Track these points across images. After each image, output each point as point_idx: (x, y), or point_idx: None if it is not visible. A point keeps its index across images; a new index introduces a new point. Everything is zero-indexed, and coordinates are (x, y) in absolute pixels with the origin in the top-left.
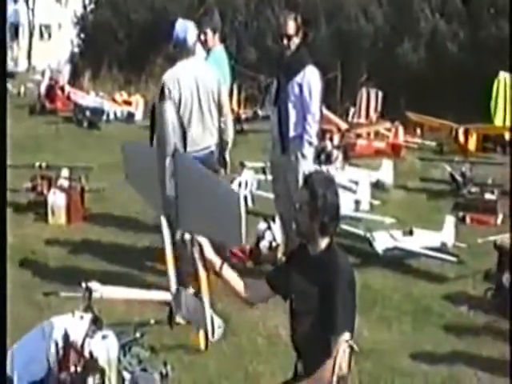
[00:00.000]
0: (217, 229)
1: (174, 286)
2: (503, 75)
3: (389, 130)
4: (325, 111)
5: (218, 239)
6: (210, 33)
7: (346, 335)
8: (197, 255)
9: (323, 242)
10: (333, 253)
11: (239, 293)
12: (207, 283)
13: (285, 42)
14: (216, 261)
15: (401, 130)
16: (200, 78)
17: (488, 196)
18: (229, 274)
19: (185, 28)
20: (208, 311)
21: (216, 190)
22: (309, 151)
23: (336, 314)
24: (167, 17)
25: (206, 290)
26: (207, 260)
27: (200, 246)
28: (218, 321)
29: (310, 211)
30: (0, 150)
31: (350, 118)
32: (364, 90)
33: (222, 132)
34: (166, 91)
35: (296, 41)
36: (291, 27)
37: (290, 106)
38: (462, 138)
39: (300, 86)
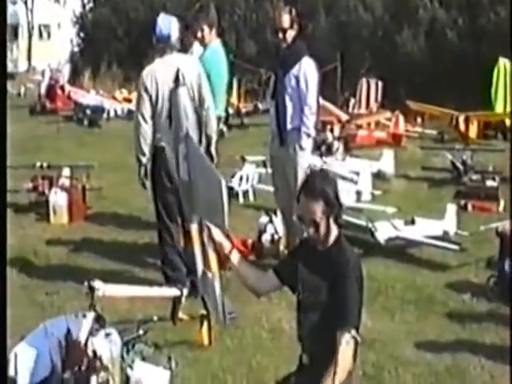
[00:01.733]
0: (207, 213)
1: (200, 268)
2: (503, 62)
3: (389, 119)
4: (325, 103)
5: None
6: (206, 29)
7: (353, 332)
8: (206, 239)
9: (331, 237)
10: (342, 246)
11: (247, 280)
12: (218, 268)
13: (280, 35)
14: (226, 244)
15: (401, 119)
16: (180, 73)
17: (489, 183)
18: (238, 259)
19: (169, 24)
20: (219, 296)
21: (206, 176)
22: (307, 143)
23: (345, 308)
24: (167, 13)
25: (217, 275)
26: (217, 243)
27: (209, 229)
28: (229, 307)
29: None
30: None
31: (350, 109)
32: (364, 81)
33: (204, 126)
34: (143, 88)
35: (292, 33)
36: (286, 21)
37: (287, 98)
38: (462, 126)
39: (296, 78)
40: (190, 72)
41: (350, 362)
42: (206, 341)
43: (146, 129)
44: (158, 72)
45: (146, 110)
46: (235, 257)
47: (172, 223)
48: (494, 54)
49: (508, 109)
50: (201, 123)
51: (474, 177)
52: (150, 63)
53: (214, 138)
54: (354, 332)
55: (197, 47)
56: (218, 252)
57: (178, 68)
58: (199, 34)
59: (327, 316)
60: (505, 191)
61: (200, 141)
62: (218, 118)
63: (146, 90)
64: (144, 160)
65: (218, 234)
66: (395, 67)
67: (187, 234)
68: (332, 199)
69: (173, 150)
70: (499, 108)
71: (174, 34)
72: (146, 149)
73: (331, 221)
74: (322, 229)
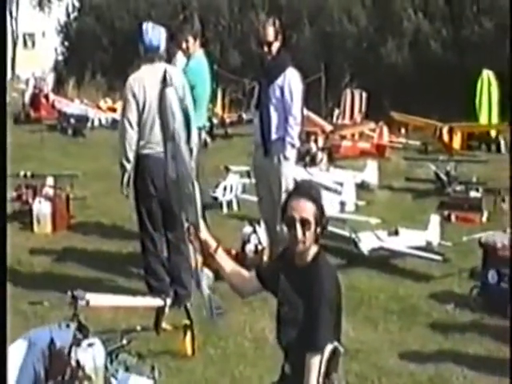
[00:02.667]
0: (185, 211)
1: (193, 264)
2: (486, 73)
3: (373, 130)
4: (309, 113)
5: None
6: (191, 39)
7: (327, 349)
8: (192, 237)
9: (310, 254)
10: (318, 268)
11: (231, 280)
12: (205, 263)
13: (265, 48)
14: (211, 243)
15: (385, 130)
16: (167, 74)
17: (473, 194)
18: (223, 258)
19: (159, 35)
20: (205, 291)
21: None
22: (291, 153)
23: (315, 332)
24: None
25: (204, 271)
26: (202, 241)
27: (195, 227)
28: (217, 302)
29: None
30: None
31: (334, 120)
32: (348, 91)
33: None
34: (130, 93)
35: (276, 45)
36: (270, 33)
37: (272, 108)
38: (446, 137)
39: (281, 89)
40: (175, 82)
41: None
42: (189, 351)
43: (132, 135)
44: (146, 79)
45: (133, 115)
46: (221, 256)
47: (155, 232)
48: (477, 66)
49: (493, 120)
50: (189, 122)
51: (458, 188)
52: (135, 71)
53: (195, 150)
54: (327, 352)
55: (180, 57)
56: (203, 250)
57: (166, 69)
58: (184, 45)
59: (303, 334)
60: (488, 202)
61: (188, 140)
62: (202, 128)
63: (134, 96)
64: (128, 167)
65: (204, 233)
66: (379, 78)
67: (170, 242)
68: (321, 207)
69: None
70: (483, 119)
71: (163, 45)
72: (131, 155)
73: (312, 235)
74: (309, 237)
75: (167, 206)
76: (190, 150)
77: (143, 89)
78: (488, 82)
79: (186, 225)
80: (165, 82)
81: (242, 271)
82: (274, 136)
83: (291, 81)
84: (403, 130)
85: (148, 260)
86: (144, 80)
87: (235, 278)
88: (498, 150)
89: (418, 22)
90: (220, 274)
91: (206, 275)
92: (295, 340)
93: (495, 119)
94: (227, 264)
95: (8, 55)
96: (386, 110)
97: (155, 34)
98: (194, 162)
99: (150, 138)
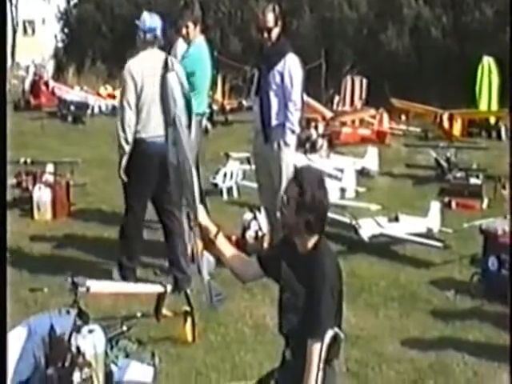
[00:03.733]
0: (185, 197)
1: (194, 250)
2: (487, 60)
3: (373, 117)
4: (309, 100)
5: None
6: (191, 25)
7: (328, 335)
8: (192, 223)
9: (310, 241)
10: (319, 255)
11: (232, 265)
12: (205, 249)
13: (265, 34)
14: (211, 228)
15: (385, 116)
16: (169, 58)
17: (473, 181)
18: (223, 243)
19: (155, 19)
20: (206, 277)
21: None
22: (291, 139)
23: (316, 319)
24: (151, 10)
25: (203, 256)
26: (202, 227)
27: (194, 213)
28: (217, 288)
29: (296, 206)
30: None
31: (334, 106)
32: (348, 78)
33: None
34: (129, 76)
35: (276, 31)
36: (270, 20)
37: (272, 94)
38: (446, 124)
39: (281, 75)
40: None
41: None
42: (189, 337)
43: (131, 116)
44: (144, 64)
45: (132, 97)
46: (221, 241)
47: (141, 212)
48: (478, 52)
49: (493, 107)
50: (190, 108)
51: (458, 174)
52: (134, 56)
53: (195, 137)
54: (327, 338)
55: (181, 44)
56: (203, 236)
57: (167, 56)
58: (183, 31)
59: (304, 320)
60: (489, 189)
61: (189, 126)
62: (202, 115)
63: (132, 79)
64: (127, 148)
65: (204, 218)
66: (380, 65)
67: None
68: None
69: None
70: (483, 106)
71: (159, 32)
72: (130, 137)
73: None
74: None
75: (163, 191)
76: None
77: (141, 73)
78: (488, 69)
79: (184, 210)
80: (166, 67)
81: (242, 256)
82: (274, 122)
83: (291, 67)
84: (403, 117)
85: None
86: (142, 65)
87: (236, 263)
88: (499, 136)
89: (419, 8)
90: (220, 260)
91: (207, 260)
92: (296, 326)
93: (495, 106)
94: (227, 249)
95: (8, 42)
96: (387, 97)
97: (152, 20)
98: (194, 148)
99: (147, 123)
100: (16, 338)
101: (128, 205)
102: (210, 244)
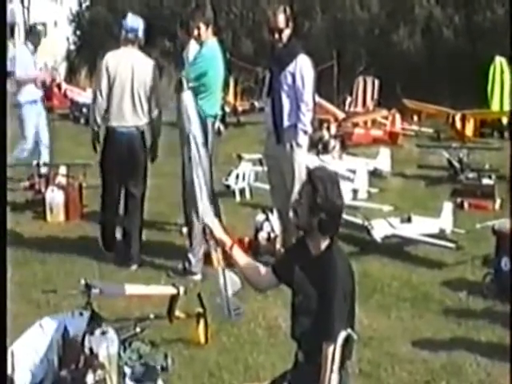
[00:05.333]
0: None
1: (215, 263)
2: (499, 60)
3: (386, 117)
4: (321, 101)
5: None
6: (202, 27)
7: (340, 336)
8: (208, 237)
9: (323, 243)
10: (332, 257)
11: (247, 276)
12: (220, 263)
13: (276, 35)
14: (226, 241)
15: (398, 117)
16: (136, 64)
17: (485, 181)
18: (239, 255)
19: (137, 21)
20: (223, 292)
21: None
22: (303, 140)
23: (329, 322)
24: (163, 12)
25: (220, 271)
26: (218, 240)
27: (209, 227)
28: (236, 303)
29: (309, 206)
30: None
31: (346, 107)
32: (360, 79)
33: (154, 120)
34: (104, 67)
35: (287, 32)
36: (281, 21)
37: (284, 95)
38: (459, 124)
39: (293, 76)
40: (147, 69)
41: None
42: (202, 339)
43: (102, 103)
44: (121, 58)
45: (104, 87)
46: (236, 253)
47: (114, 195)
48: (490, 52)
49: (505, 107)
50: (206, 126)
51: (471, 175)
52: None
53: (209, 139)
54: (340, 340)
55: (193, 45)
56: (222, 249)
57: (106, 58)
58: (195, 32)
59: (317, 323)
60: (501, 189)
61: (206, 143)
62: (215, 116)
63: (107, 70)
64: (96, 129)
65: (218, 231)
66: (392, 65)
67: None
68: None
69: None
70: (495, 106)
71: (141, 30)
72: (99, 120)
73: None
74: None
75: (130, 177)
76: (158, 128)
77: (116, 67)
78: (501, 69)
79: (196, 222)
80: (181, 86)
81: (258, 267)
82: (286, 123)
83: (303, 67)
84: (416, 118)
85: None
86: (118, 59)
87: (251, 273)
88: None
89: (430, 8)
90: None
91: (232, 280)
92: (309, 329)
93: (507, 106)
94: (242, 260)
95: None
96: (399, 98)
97: (135, 21)
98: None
99: (117, 113)
100: (29, 340)
101: (103, 189)
102: (225, 255)
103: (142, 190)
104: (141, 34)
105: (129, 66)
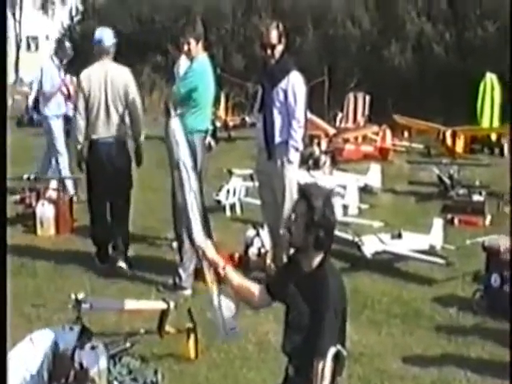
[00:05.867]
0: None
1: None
2: (490, 76)
3: (376, 133)
4: (312, 116)
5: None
6: (193, 42)
7: (330, 352)
8: (200, 257)
9: (316, 259)
10: (324, 274)
11: (241, 295)
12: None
13: (268, 52)
14: (219, 262)
15: (388, 133)
16: (110, 75)
17: (476, 197)
18: (232, 276)
19: (101, 32)
20: (218, 310)
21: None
22: (294, 156)
23: (320, 339)
24: (154, 27)
25: (214, 290)
26: (210, 261)
27: (201, 248)
28: (231, 322)
29: (305, 223)
30: None
31: (337, 123)
32: (351, 95)
33: (132, 124)
34: (79, 87)
35: (279, 48)
36: (274, 37)
37: (275, 111)
38: (449, 141)
39: (285, 92)
40: (118, 77)
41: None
42: (192, 354)
43: (80, 120)
44: (92, 74)
45: (80, 105)
46: (229, 274)
47: (101, 207)
48: (480, 69)
49: (494, 123)
50: (195, 151)
51: (461, 191)
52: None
53: (142, 136)
54: (330, 356)
55: (184, 60)
56: (214, 270)
57: (79, 78)
58: (185, 47)
59: (308, 339)
60: (491, 206)
61: (195, 167)
62: (205, 131)
63: (81, 88)
64: (79, 147)
65: (211, 253)
66: (382, 82)
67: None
68: (319, 208)
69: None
70: (485, 123)
71: (108, 41)
72: (81, 138)
73: (312, 240)
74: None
75: (111, 187)
76: (138, 134)
77: (89, 83)
78: (491, 86)
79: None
80: (168, 113)
81: (251, 286)
82: (277, 139)
83: (295, 84)
84: (406, 134)
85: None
86: (91, 75)
87: (245, 294)
88: (501, 153)
89: (421, 24)
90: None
91: (228, 306)
92: (300, 345)
93: (497, 123)
94: (236, 281)
95: (12, 58)
96: (389, 114)
97: (100, 33)
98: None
99: (95, 125)
100: (19, 353)
101: (89, 203)
102: (218, 276)
103: (127, 200)
104: (108, 43)
105: (102, 79)
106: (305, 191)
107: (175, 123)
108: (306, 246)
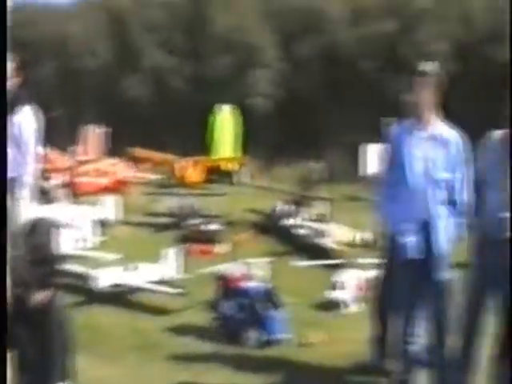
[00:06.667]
0: None
1: None
2: (220, 108)
3: (114, 166)
4: (48, 150)
5: None
6: None
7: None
8: None
9: (41, 295)
10: (50, 311)
11: None
12: None
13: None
14: None
15: (126, 166)
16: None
17: (212, 226)
18: None
19: None
20: None
21: None
22: (25, 192)
23: (46, 375)
24: None
25: None
26: None
27: None
28: None
29: (31, 260)
30: None
31: (76, 156)
32: (90, 127)
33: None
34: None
35: (15, 81)
36: (9, 69)
37: (9, 146)
38: (185, 171)
39: (18, 126)
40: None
41: None
42: None
43: None
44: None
45: None
46: None
47: None
48: (215, 101)
49: (228, 153)
50: None
51: (197, 221)
52: None
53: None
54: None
55: None
56: None
57: None
58: None
59: (39, 377)
60: (227, 233)
61: None
62: None
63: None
64: None
65: None
66: (121, 114)
67: None
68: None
69: None
70: (221, 153)
71: None
72: None
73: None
74: None
75: None
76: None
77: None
78: (222, 117)
79: None
80: None
81: None
82: (11, 174)
83: (26, 118)
84: (144, 166)
85: None
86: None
87: None
88: (232, 182)
89: (159, 57)
90: None
91: None
92: None
93: (231, 152)
94: None
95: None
96: (127, 146)
97: None
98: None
99: None
100: None
101: None
102: None
103: None
104: None
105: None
106: (29, 227)
107: None
108: (31, 282)
